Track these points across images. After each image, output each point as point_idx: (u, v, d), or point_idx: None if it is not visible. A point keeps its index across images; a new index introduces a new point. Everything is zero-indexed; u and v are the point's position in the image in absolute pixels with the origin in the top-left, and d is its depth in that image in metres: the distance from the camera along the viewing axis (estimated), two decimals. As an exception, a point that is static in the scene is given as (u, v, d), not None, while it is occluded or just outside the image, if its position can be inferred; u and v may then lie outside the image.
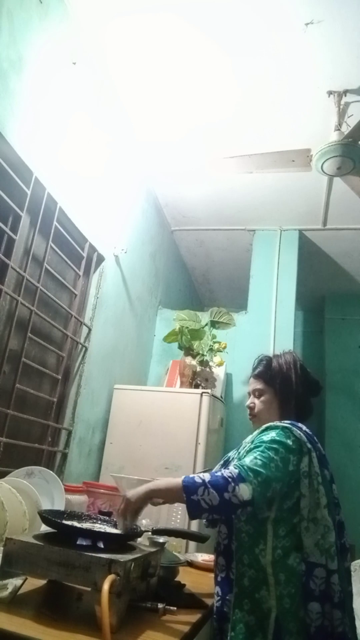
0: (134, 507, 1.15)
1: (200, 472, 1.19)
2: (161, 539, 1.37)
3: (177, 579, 1.34)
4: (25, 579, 1.04)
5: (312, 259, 3.90)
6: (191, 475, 1.13)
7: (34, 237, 1.99)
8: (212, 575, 1.34)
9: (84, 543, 1.04)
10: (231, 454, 1.46)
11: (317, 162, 2.31)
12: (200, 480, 1.10)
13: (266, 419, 1.39)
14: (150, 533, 1.33)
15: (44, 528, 1.20)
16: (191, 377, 2.83)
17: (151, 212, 3.37)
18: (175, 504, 1.44)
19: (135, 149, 2.91)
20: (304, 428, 1.29)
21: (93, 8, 2.10)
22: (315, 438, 1.29)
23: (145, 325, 3.40)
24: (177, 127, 2.73)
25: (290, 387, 1.39)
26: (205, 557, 1.75)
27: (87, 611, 0.95)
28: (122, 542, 1.16)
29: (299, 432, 1.25)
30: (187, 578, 1.39)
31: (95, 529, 1.18)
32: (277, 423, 1.31)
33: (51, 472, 1.76)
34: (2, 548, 1.05)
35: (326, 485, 1.23)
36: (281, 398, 1.40)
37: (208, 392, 2.60)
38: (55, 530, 1.13)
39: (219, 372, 3.10)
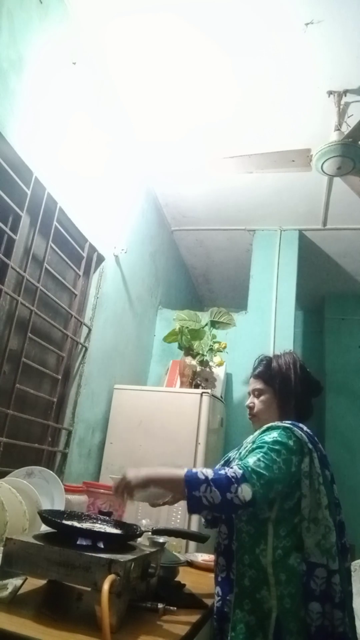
0: (130, 488, 1.15)
1: (202, 468, 1.18)
2: (161, 539, 1.37)
3: (177, 579, 1.34)
4: (25, 579, 1.04)
5: (312, 259, 3.90)
6: (194, 470, 1.12)
7: (34, 237, 1.99)
8: (212, 575, 1.34)
9: (84, 543, 1.04)
10: (231, 453, 1.47)
11: (317, 162, 2.31)
12: (203, 477, 1.10)
13: (266, 419, 1.39)
14: (150, 533, 1.33)
15: (44, 528, 1.20)
16: (191, 377, 2.82)
17: (151, 212, 3.37)
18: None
19: (135, 148, 2.91)
20: (305, 428, 1.29)
21: (93, 8, 2.10)
22: (316, 438, 1.29)
23: (145, 325, 3.40)
24: (177, 127, 2.73)
25: (289, 387, 1.39)
26: (205, 557, 1.75)
27: (87, 611, 0.95)
28: (122, 542, 1.16)
29: (300, 432, 1.25)
30: (187, 578, 1.38)
31: (95, 529, 1.18)
32: (279, 423, 1.31)
33: (51, 472, 1.76)
34: (2, 548, 1.05)
35: (327, 485, 1.23)
36: (280, 398, 1.40)
37: (208, 392, 2.60)
38: (55, 530, 1.12)
39: (219, 372, 3.10)
